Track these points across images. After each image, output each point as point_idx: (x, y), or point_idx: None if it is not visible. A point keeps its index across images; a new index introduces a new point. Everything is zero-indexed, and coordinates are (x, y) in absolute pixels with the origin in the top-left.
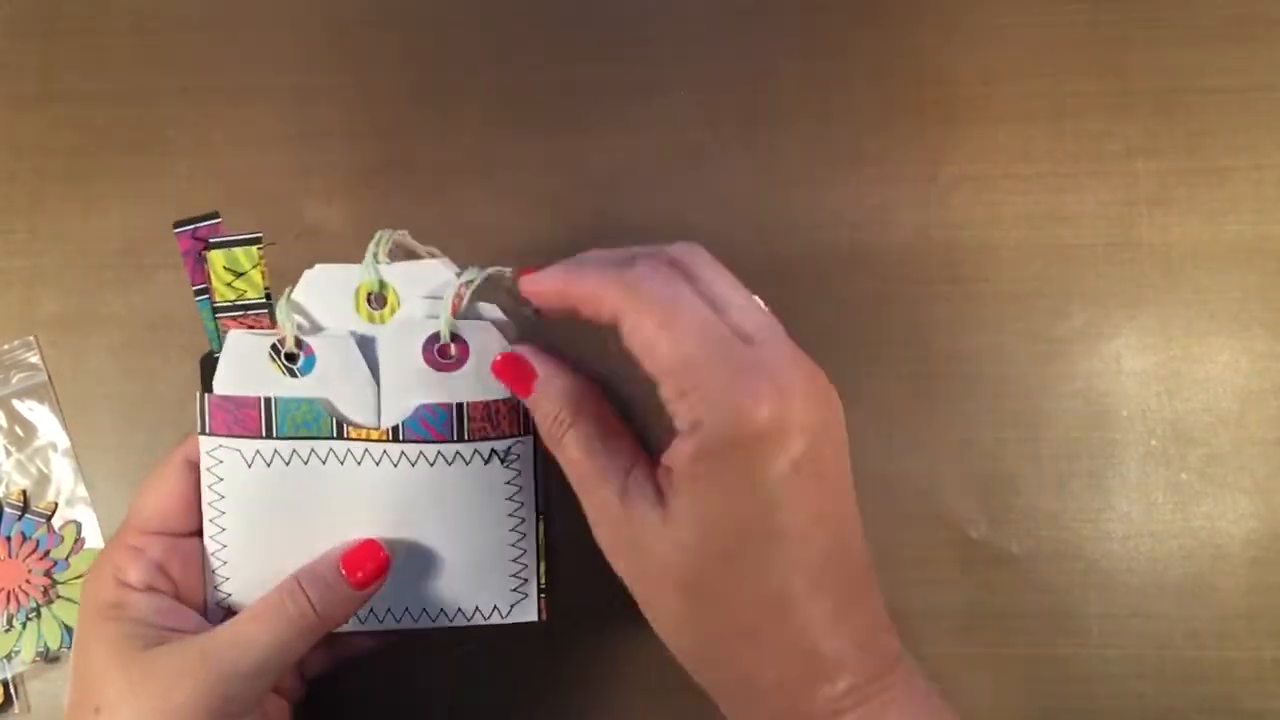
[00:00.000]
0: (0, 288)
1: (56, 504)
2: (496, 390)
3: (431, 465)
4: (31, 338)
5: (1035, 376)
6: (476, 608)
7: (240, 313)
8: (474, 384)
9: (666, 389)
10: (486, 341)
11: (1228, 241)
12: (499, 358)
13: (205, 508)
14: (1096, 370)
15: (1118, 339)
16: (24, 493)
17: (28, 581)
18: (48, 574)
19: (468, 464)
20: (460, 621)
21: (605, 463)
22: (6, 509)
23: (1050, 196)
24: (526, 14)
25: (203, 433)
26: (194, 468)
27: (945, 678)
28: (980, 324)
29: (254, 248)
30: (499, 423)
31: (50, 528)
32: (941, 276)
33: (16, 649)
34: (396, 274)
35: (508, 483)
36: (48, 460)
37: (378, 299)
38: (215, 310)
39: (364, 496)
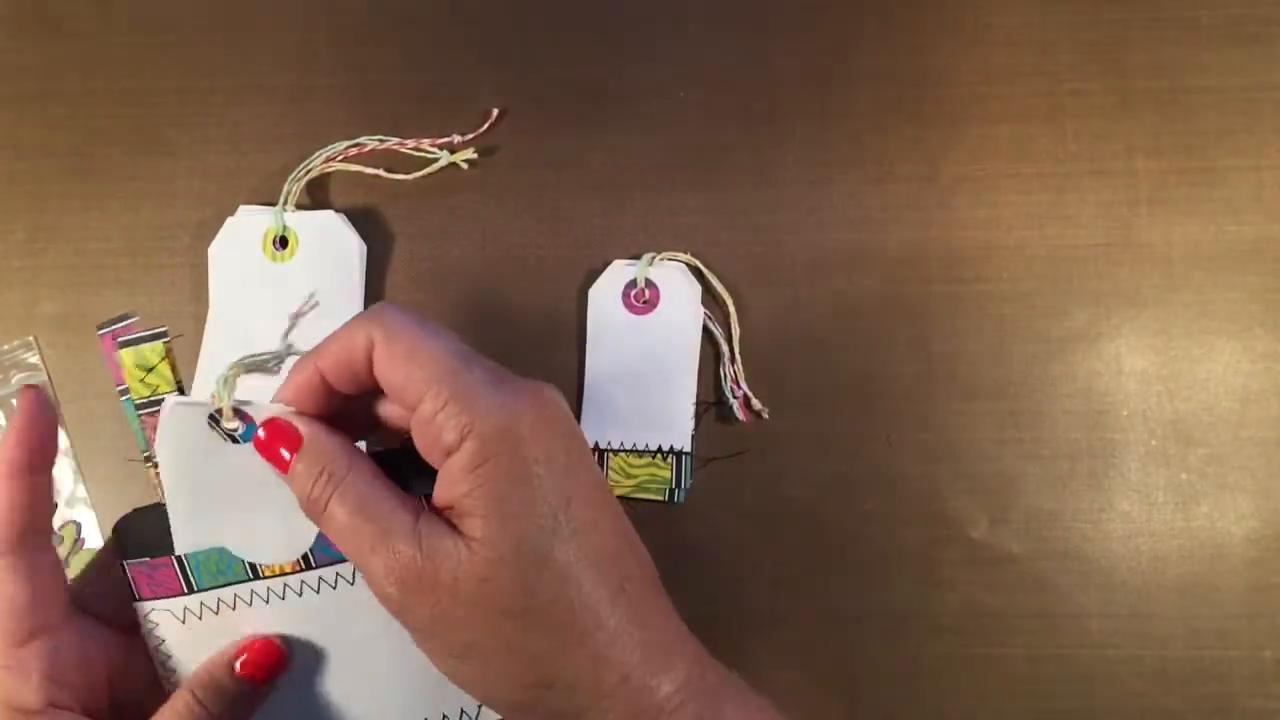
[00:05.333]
0: (0, 288)
1: (56, 504)
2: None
3: (351, 584)
4: (31, 338)
5: (1035, 376)
6: (426, 719)
7: (157, 409)
8: None
9: (427, 405)
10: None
11: (1228, 241)
12: (260, 431)
13: (158, 668)
14: (1096, 370)
15: (1118, 339)
16: None
17: None
18: None
19: None
20: None
21: (389, 515)
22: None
23: (1050, 196)
24: (527, 14)
25: (134, 599)
26: (27, 560)
27: (945, 677)
28: (980, 324)
29: (159, 342)
30: None
31: None
32: (941, 276)
33: None
34: (297, 221)
35: None
36: None
37: (280, 241)
38: (137, 409)
39: (293, 628)
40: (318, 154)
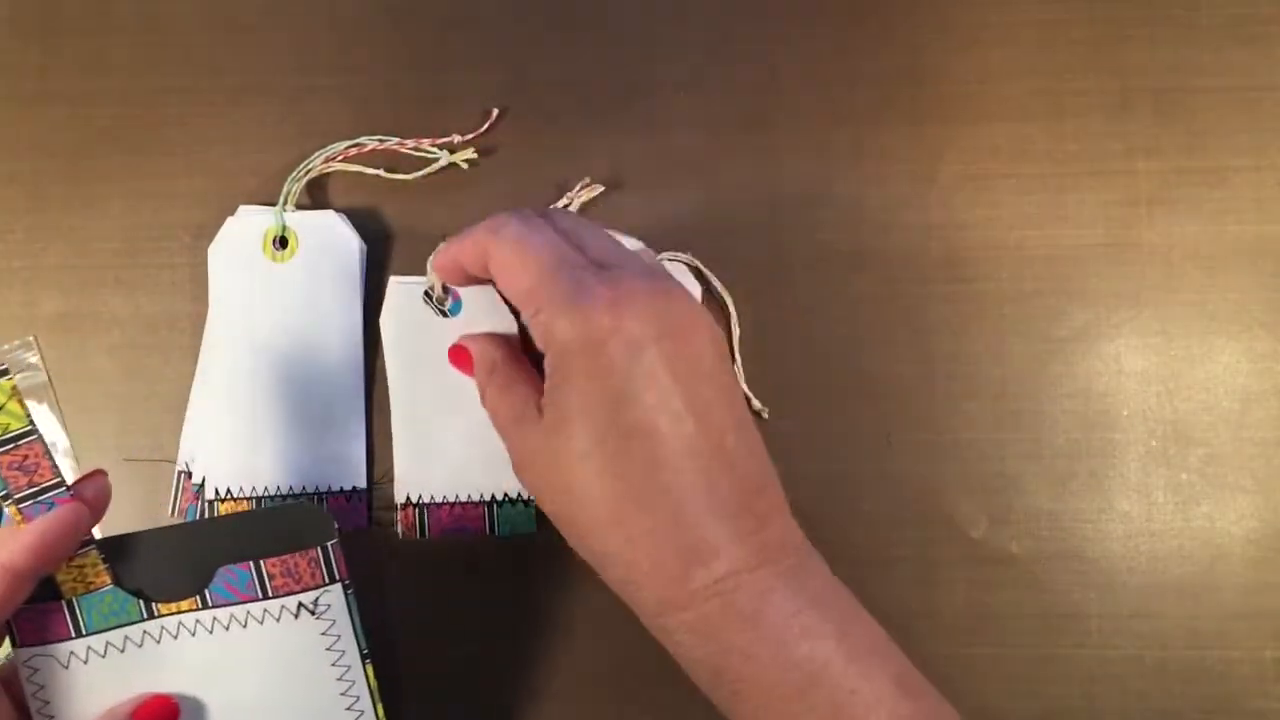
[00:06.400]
0: (0, 288)
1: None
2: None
3: (244, 627)
4: (31, 338)
5: (1035, 376)
6: None
7: (10, 446)
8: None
9: (525, 313)
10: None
11: (1228, 241)
12: (450, 352)
13: (34, 716)
14: (1096, 370)
15: (1118, 339)
16: None
17: None
18: None
19: (278, 621)
20: None
21: (512, 401)
22: (7, 509)
23: (1050, 196)
24: (526, 14)
25: (15, 646)
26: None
27: (945, 678)
28: (980, 324)
29: (4, 380)
30: (300, 576)
31: None
32: (941, 276)
33: None
34: (297, 221)
35: (323, 634)
36: None
37: (281, 241)
38: None
39: (186, 670)
40: (318, 154)
